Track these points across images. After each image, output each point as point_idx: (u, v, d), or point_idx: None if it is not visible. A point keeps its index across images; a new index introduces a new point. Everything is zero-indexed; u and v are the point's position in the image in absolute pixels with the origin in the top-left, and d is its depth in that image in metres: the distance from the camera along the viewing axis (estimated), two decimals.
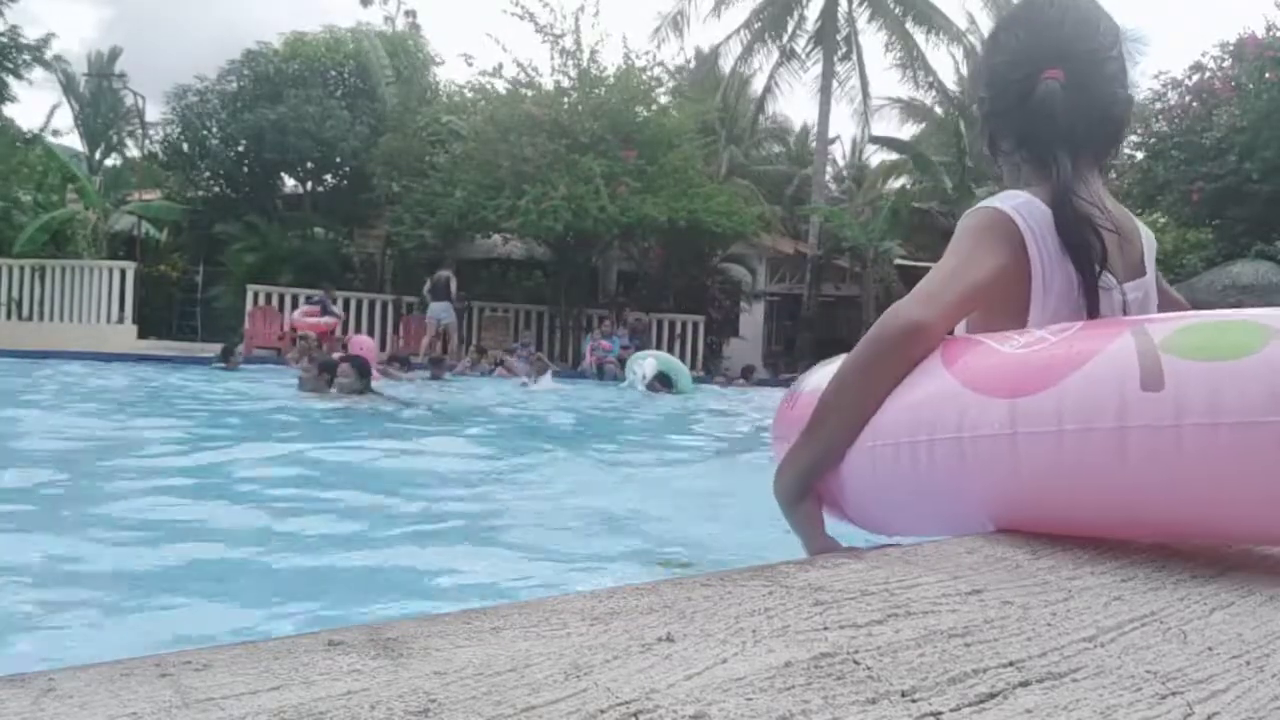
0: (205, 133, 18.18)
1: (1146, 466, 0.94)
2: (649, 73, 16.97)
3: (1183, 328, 1.00)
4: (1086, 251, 1.20)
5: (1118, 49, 1.29)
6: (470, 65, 21.66)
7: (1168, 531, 1.02)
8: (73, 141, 26.19)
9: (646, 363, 12.67)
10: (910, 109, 24.36)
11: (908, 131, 24.60)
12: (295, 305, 16.10)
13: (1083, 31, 1.27)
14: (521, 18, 16.03)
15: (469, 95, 17.47)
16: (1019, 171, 1.33)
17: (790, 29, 22.44)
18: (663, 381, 12.27)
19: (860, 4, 21.76)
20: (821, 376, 1.26)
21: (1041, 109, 1.23)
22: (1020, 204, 1.21)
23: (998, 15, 20.83)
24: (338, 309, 15.43)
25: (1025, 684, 0.58)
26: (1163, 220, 15.75)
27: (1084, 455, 0.96)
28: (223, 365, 11.94)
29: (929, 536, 1.14)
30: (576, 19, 16.23)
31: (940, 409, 1.06)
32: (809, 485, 1.17)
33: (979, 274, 1.17)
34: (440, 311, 15.29)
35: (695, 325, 17.33)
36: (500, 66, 16.50)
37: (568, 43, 16.37)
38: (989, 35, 1.41)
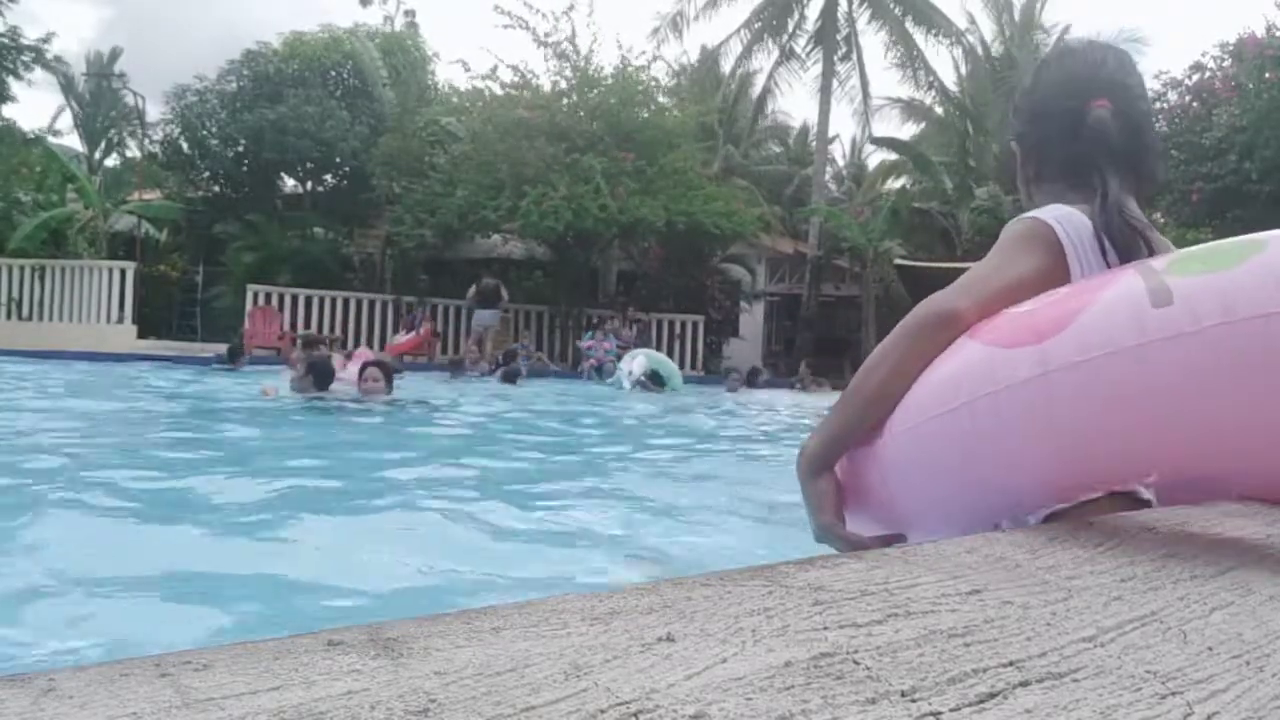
0: (205, 133, 18.16)
1: (1171, 375, 0.99)
2: (647, 72, 16.98)
3: (1180, 256, 1.11)
4: (1135, 255, 1.26)
5: (1147, 92, 1.45)
6: (467, 71, 21.56)
7: (1207, 450, 1.04)
8: (73, 142, 26.24)
9: (636, 360, 12.63)
10: (910, 109, 24.35)
11: (908, 131, 24.63)
12: (295, 305, 16.17)
13: (1124, 69, 1.42)
14: (515, 28, 16.08)
15: (467, 98, 17.48)
16: (1062, 199, 1.39)
17: (790, 29, 22.45)
18: (654, 380, 12.28)
19: (860, 4, 21.75)
20: None
21: (1094, 133, 1.34)
22: (1061, 215, 1.29)
23: (999, 19, 21.02)
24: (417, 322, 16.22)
25: (1025, 684, 0.58)
26: (1163, 220, 15.73)
27: (1112, 377, 1.01)
28: (228, 366, 11.90)
29: (961, 530, 1.14)
30: (569, 19, 16.25)
31: (972, 371, 1.10)
32: (829, 461, 1.22)
33: (1016, 272, 1.24)
34: (489, 319, 15.80)
35: (695, 325, 17.33)
36: (495, 69, 16.53)
37: (565, 46, 16.38)
38: (1032, 74, 1.52)
